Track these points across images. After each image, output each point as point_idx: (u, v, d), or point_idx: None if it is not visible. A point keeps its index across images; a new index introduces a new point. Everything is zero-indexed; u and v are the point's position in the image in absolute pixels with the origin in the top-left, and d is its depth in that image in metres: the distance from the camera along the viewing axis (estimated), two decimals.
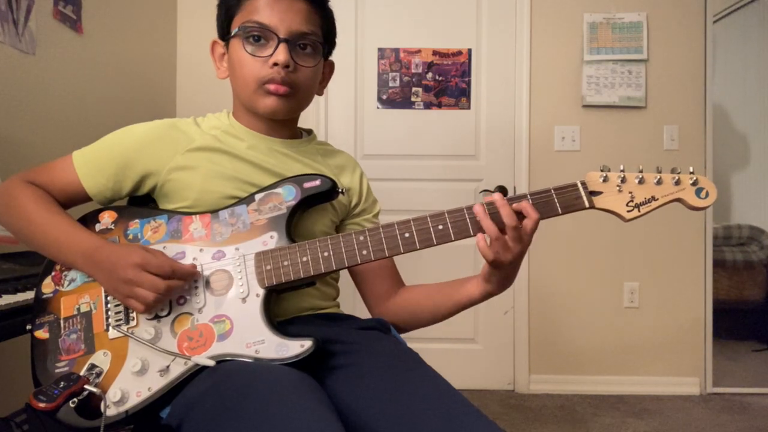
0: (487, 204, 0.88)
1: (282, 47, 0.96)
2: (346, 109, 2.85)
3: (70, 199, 1.00)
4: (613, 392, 2.76)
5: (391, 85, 2.84)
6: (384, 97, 2.85)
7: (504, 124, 2.83)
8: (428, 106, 2.84)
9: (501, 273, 0.92)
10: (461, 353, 2.83)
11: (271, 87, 0.97)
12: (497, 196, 0.87)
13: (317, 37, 1.01)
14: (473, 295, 1.00)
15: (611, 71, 2.77)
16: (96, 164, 0.98)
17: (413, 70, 2.84)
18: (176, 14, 2.83)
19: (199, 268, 0.90)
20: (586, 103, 2.77)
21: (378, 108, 2.85)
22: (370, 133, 2.85)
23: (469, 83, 2.83)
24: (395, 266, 1.13)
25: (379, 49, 2.84)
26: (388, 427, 0.77)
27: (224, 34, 1.04)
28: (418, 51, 2.84)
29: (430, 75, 2.84)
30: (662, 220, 2.74)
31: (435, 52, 2.83)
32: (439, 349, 2.68)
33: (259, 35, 0.97)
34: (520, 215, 0.87)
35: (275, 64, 0.96)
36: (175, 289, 0.87)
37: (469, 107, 2.84)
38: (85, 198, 1.00)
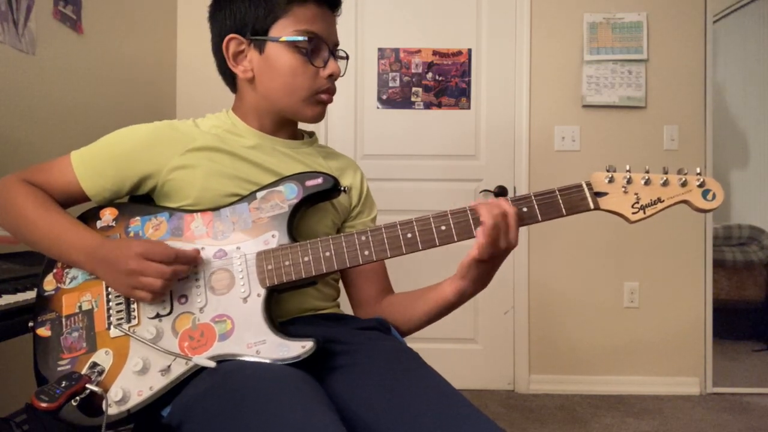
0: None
1: (333, 59, 1.01)
2: (346, 109, 2.85)
3: (68, 199, 0.99)
4: (613, 392, 2.76)
5: (391, 85, 2.84)
6: (384, 97, 2.85)
7: (504, 124, 2.83)
8: (428, 106, 2.84)
9: (480, 268, 0.91)
10: (461, 353, 2.83)
11: (325, 97, 1.03)
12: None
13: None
14: (446, 293, 0.97)
15: (611, 71, 2.77)
16: (94, 166, 0.98)
17: (413, 70, 2.84)
18: (176, 14, 2.83)
19: (200, 267, 0.90)
20: (586, 103, 2.78)
21: (378, 108, 2.85)
22: (370, 133, 2.85)
23: (469, 83, 2.83)
24: (386, 273, 1.13)
25: (379, 49, 2.84)
26: (388, 427, 0.77)
27: (257, 32, 0.99)
28: (418, 51, 2.84)
29: (430, 75, 2.84)
30: (663, 220, 2.73)
31: (435, 52, 2.83)
32: (439, 349, 2.68)
33: (316, 47, 0.99)
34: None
35: (330, 76, 1.00)
36: (181, 274, 0.87)
37: (469, 107, 2.84)
38: (84, 198, 1.00)
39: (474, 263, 0.91)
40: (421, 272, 2.25)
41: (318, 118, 1.05)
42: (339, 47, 1.05)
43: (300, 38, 0.97)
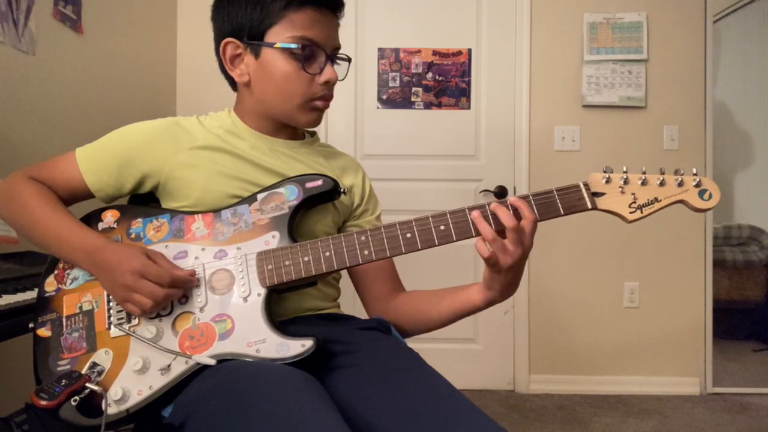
0: (484, 208, 0.88)
1: (330, 65, 0.99)
2: (346, 109, 2.85)
3: (72, 196, 1.00)
4: (613, 392, 2.76)
5: (391, 85, 2.84)
6: (384, 97, 2.85)
7: (504, 124, 2.83)
8: (428, 106, 2.84)
9: (502, 278, 0.91)
10: (461, 353, 2.83)
11: (320, 104, 1.01)
12: (494, 203, 0.88)
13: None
14: (475, 301, 0.97)
15: (611, 71, 2.77)
16: (99, 161, 0.99)
17: (413, 70, 2.84)
18: (176, 14, 2.83)
19: (200, 268, 0.90)
20: (586, 103, 2.78)
21: (378, 108, 2.85)
22: (370, 133, 2.85)
23: (469, 83, 2.83)
24: (395, 270, 1.13)
25: (379, 49, 2.84)
26: (388, 427, 0.77)
27: (253, 37, 0.98)
28: (418, 51, 2.84)
29: (430, 75, 2.84)
30: (662, 220, 2.73)
31: (435, 52, 2.83)
32: (439, 349, 2.67)
33: (311, 54, 0.98)
34: (518, 215, 0.87)
35: (326, 83, 0.99)
36: (173, 297, 0.87)
37: (469, 107, 2.84)
38: (87, 194, 1.00)
39: (494, 275, 0.91)
40: (423, 272, 2.25)
41: (313, 124, 1.04)
42: (340, 50, 1.03)
43: (294, 45, 0.96)
